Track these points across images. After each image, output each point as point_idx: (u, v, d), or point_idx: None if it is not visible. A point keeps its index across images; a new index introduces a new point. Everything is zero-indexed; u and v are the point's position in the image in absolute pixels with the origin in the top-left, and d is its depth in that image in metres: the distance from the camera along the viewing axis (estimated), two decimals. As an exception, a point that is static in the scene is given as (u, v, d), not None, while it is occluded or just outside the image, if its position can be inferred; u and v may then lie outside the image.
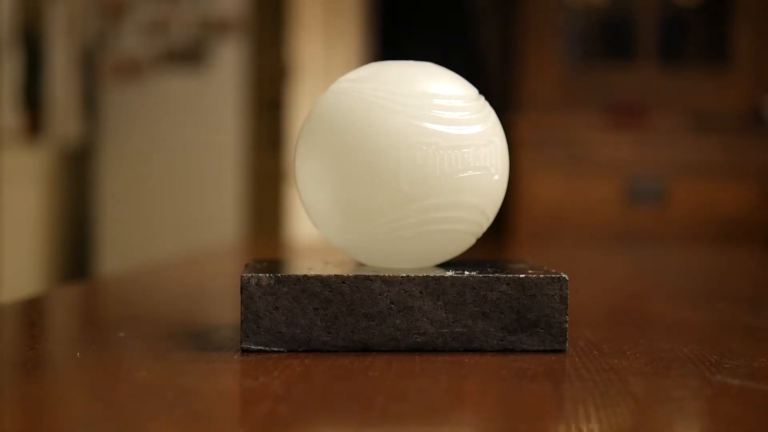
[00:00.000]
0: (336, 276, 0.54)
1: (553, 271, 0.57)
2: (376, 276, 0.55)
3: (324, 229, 0.59)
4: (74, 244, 2.58)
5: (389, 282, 0.55)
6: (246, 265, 0.59)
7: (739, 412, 0.43)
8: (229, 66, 2.57)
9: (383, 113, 0.55)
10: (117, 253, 2.51)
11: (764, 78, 2.71)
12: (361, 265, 0.60)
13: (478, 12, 3.08)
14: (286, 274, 0.54)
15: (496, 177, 0.57)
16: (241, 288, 0.54)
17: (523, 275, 0.55)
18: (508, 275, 0.55)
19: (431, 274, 0.55)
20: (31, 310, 0.73)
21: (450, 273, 0.55)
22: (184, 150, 2.53)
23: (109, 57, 2.60)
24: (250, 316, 0.54)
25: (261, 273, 0.54)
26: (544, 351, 0.56)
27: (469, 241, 0.58)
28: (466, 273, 0.55)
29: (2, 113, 2.20)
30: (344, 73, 0.59)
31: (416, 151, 0.54)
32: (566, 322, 0.56)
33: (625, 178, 2.54)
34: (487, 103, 0.58)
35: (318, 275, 0.54)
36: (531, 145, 2.56)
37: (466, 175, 0.55)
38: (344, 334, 0.55)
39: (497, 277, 0.55)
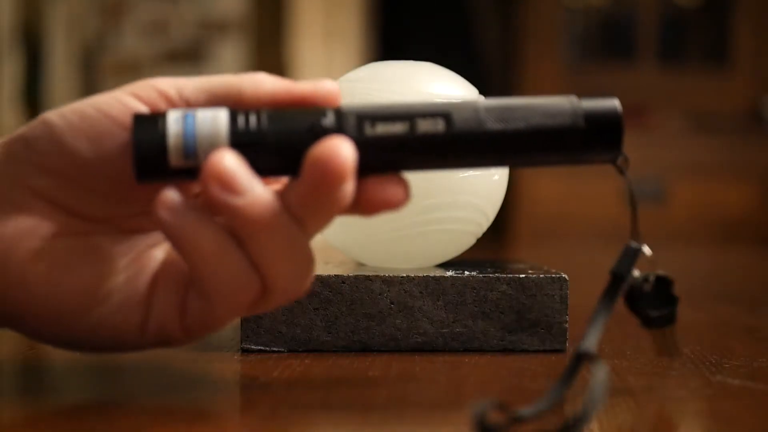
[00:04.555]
0: (336, 276, 0.54)
1: (554, 271, 0.57)
2: (376, 276, 0.55)
3: (324, 229, 0.58)
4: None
5: (389, 282, 0.55)
6: (246, 265, 0.59)
7: (739, 412, 0.43)
8: (229, 66, 2.57)
9: (383, 113, 0.55)
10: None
11: (764, 78, 2.71)
12: (361, 265, 0.60)
13: (478, 12, 3.08)
14: (286, 274, 0.54)
15: (496, 177, 0.57)
16: (241, 288, 0.54)
17: (523, 275, 0.55)
18: (509, 275, 0.55)
19: (431, 274, 0.55)
20: (31, 310, 0.73)
21: (450, 273, 0.55)
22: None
23: (109, 57, 2.60)
24: (250, 316, 0.54)
25: (261, 273, 0.54)
26: (545, 351, 0.56)
27: (469, 241, 0.58)
28: (466, 273, 0.55)
29: (2, 112, 2.20)
30: (344, 73, 0.59)
31: (416, 151, 0.54)
32: (566, 322, 0.56)
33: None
34: (487, 103, 0.58)
35: (318, 275, 0.54)
36: (531, 145, 2.55)
37: (466, 175, 0.55)
38: (344, 334, 0.55)
39: (497, 277, 0.55)
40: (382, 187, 0.41)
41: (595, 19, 2.92)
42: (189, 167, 0.40)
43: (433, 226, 0.56)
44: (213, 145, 0.39)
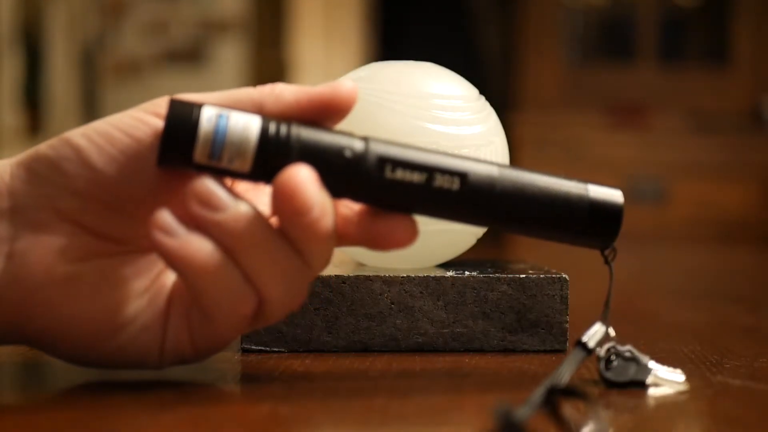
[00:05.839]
0: (336, 276, 0.54)
1: (554, 271, 0.57)
2: (377, 276, 0.55)
3: (324, 229, 0.58)
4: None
5: (390, 282, 0.55)
6: (246, 265, 0.59)
7: (739, 413, 0.43)
8: (229, 66, 2.57)
9: (383, 113, 0.55)
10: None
11: (764, 78, 2.71)
12: (361, 265, 0.60)
13: (478, 12, 3.08)
14: (286, 274, 0.54)
15: (497, 177, 0.57)
16: (242, 288, 0.54)
17: (524, 275, 0.55)
18: (509, 275, 0.55)
19: (431, 274, 0.55)
20: (31, 310, 0.73)
21: (450, 273, 0.55)
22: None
23: (109, 57, 2.60)
24: (250, 316, 0.54)
25: (261, 273, 0.54)
26: (545, 351, 0.56)
27: (470, 241, 0.58)
28: (467, 273, 0.55)
29: (2, 112, 2.20)
30: (344, 73, 0.59)
31: (416, 151, 0.54)
32: (567, 322, 0.56)
33: (625, 178, 2.54)
34: (487, 104, 0.58)
35: (318, 275, 0.54)
36: (531, 145, 2.56)
37: (466, 175, 0.55)
38: (345, 334, 0.55)
39: (498, 277, 0.55)
40: (390, 226, 0.43)
41: (595, 19, 2.92)
42: (210, 167, 0.40)
43: (433, 226, 0.55)
44: (239, 154, 0.40)
